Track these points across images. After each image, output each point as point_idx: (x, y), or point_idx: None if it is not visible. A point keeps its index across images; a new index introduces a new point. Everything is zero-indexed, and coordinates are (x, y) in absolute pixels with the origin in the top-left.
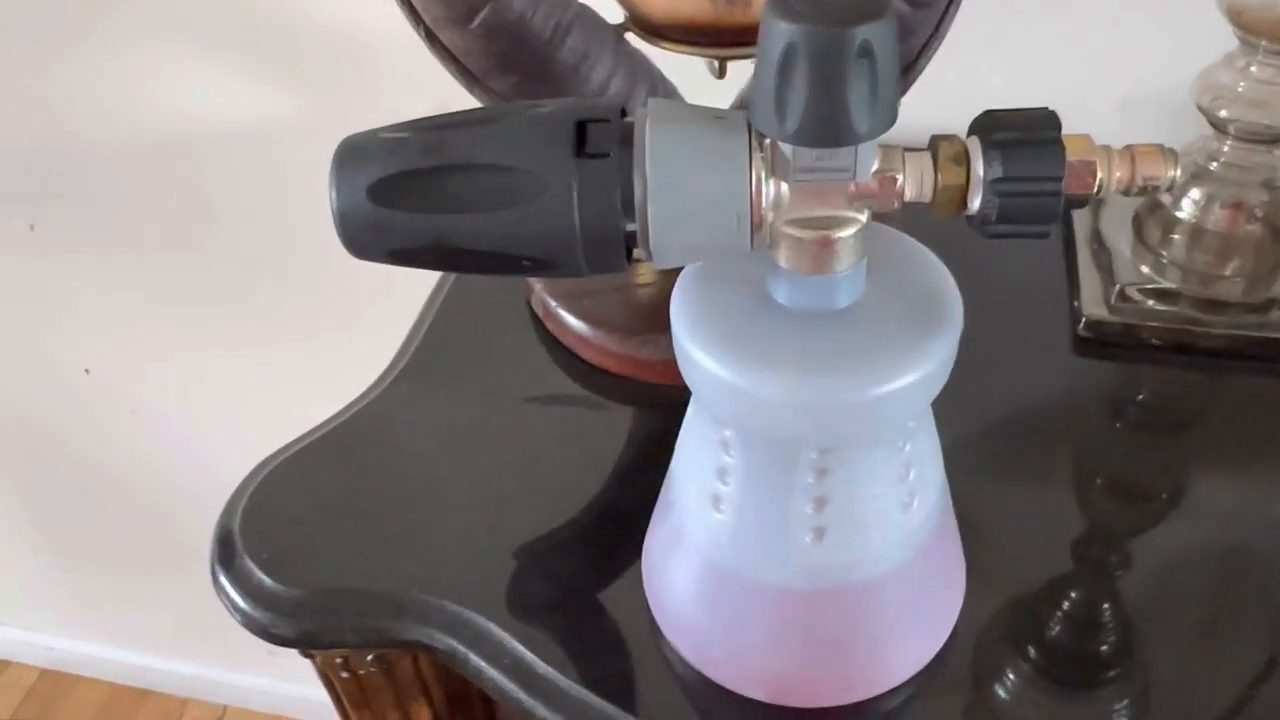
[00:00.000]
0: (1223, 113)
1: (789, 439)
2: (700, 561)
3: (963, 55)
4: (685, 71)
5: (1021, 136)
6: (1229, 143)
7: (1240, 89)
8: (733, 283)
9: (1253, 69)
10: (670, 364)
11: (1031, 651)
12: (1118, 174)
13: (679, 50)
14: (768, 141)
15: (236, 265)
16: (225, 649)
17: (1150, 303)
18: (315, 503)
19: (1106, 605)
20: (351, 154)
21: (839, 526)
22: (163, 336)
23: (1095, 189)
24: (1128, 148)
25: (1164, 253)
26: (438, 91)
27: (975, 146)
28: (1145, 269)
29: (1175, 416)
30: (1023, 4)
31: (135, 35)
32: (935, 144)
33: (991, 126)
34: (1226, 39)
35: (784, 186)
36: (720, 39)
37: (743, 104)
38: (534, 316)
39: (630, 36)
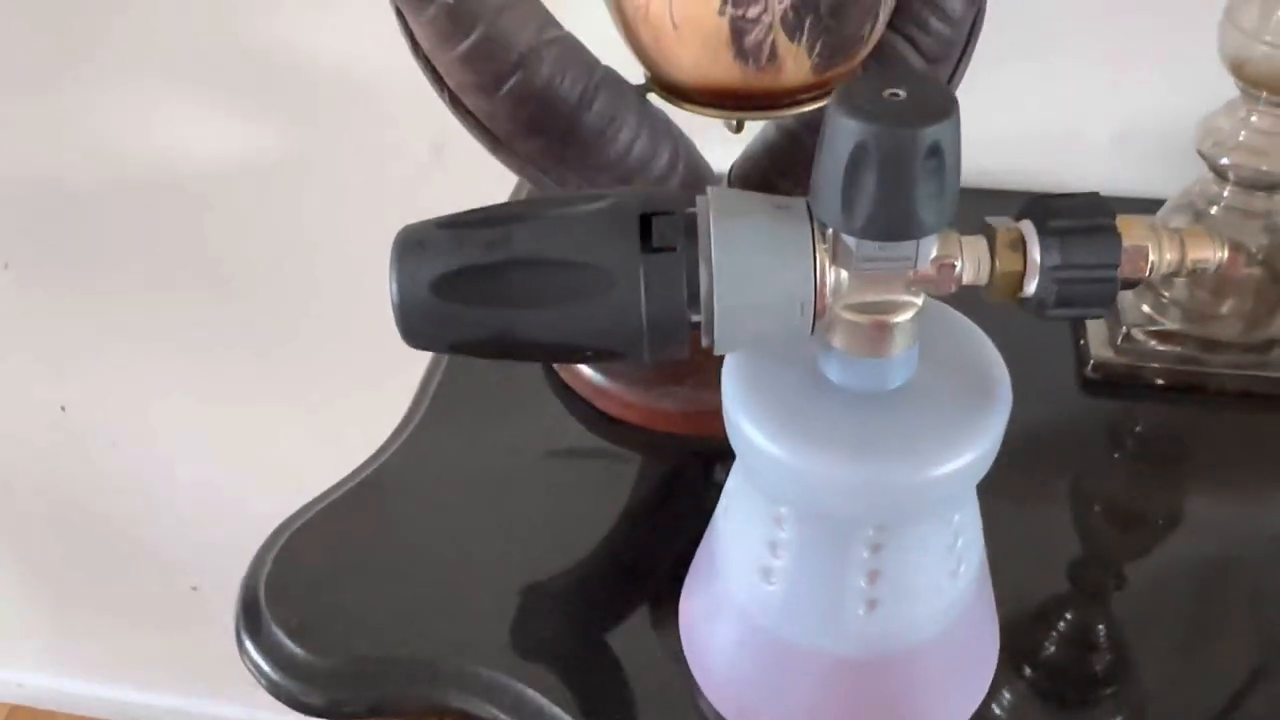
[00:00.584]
0: (1224, 160)
1: (847, 517)
2: (748, 628)
3: (960, 92)
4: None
5: (1078, 224)
6: (1229, 188)
7: (1241, 137)
8: (784, 361)
9: (1254, 118)
10: (688, 414)
11: (1041, 671)
12: (1168, 256)
13: (702, 113)
14: (830, 231)
15: (223, 305)
16: (203, 680)
17: (1153, 343)
18: (342, 564)
19: (1107, 626)
20: (412, 247)
21: (891, 598)
22: (141, 375)
23: (1148, 272)
24: (1176, 231)
25: (1165, 293)
26: (432, 130)
27: (1030, 232)
28: (1146, 308)
29: (1176, 454)
30: (1018, 40)
31: (119, 71)
32: (990, 230)
33: (1046, 213)
34: (1222, 77)
35: (844, 274)
36: (746, 103)
37: (751, 155)
38: (546, 366)
39: (652, 97)
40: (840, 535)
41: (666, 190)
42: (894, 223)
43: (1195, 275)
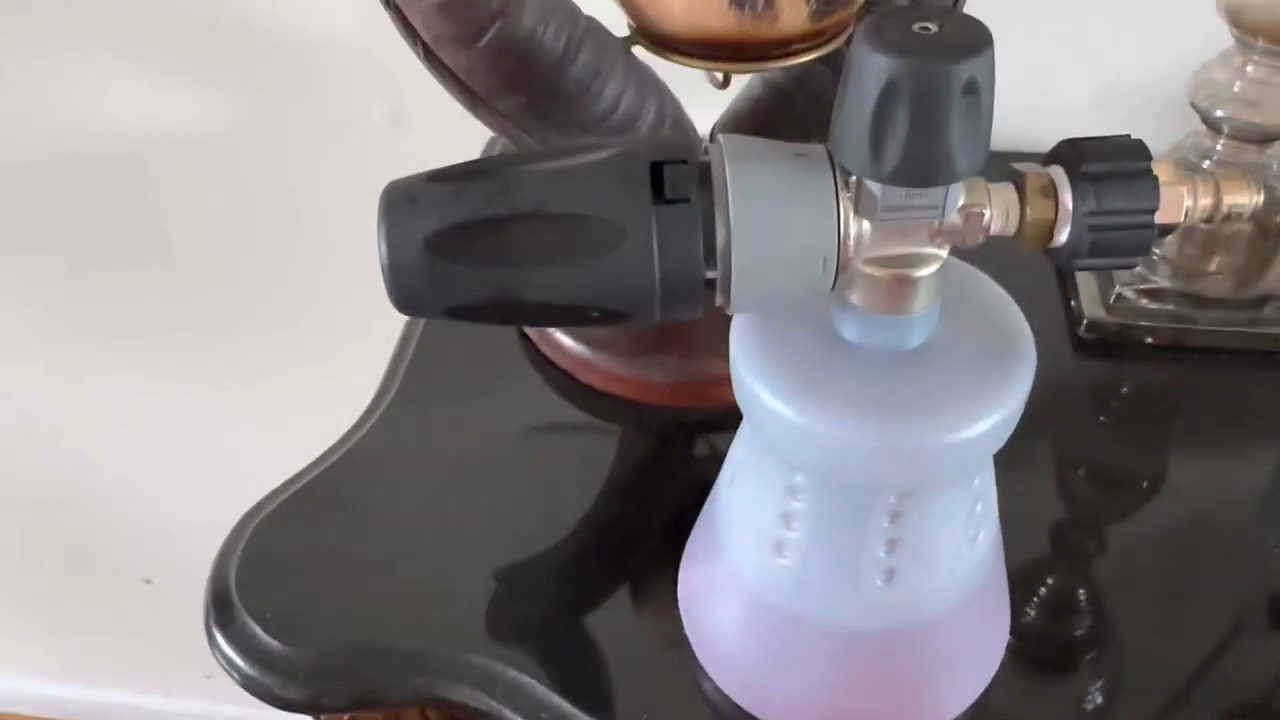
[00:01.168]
0: (1218, 112)
1: (868, 484)
2: (757, 605)
3: None
4: (682, 81)
5: (1113, 168)
6: (1222, 141)
7: (1236, 88)
8: (796, 320)
9: (1249, 68)
10: (677, 385)
11: (1033, 634)
12: (1204, 202)
13: (690, 64)
14: (853, 179)
15: (176, 285)
16: (157, 676)
17: (1144, 301)
18: (318, 552)
19: (1101, 586)
20: (403, 202)
21: (909, 567)
22: (88, 360)
23: (1183, 217)
24: (1211, 174)
25: (1156, 250)
26: (389, 96)
27: (1062, 177)
28: (1138, 266)
29: (1163, 411)
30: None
31: (57, 36)
32: (1019, 176)
33: (1078, 157)
34: (1207, 30)
35: (866, 224)
36: (738, 54)
37: (736, 114)
38: (523, 338)
39: (637, 50)
40: (860, 503)
41: (676, 137)
42: (926, 166)
43: (1229, 220)
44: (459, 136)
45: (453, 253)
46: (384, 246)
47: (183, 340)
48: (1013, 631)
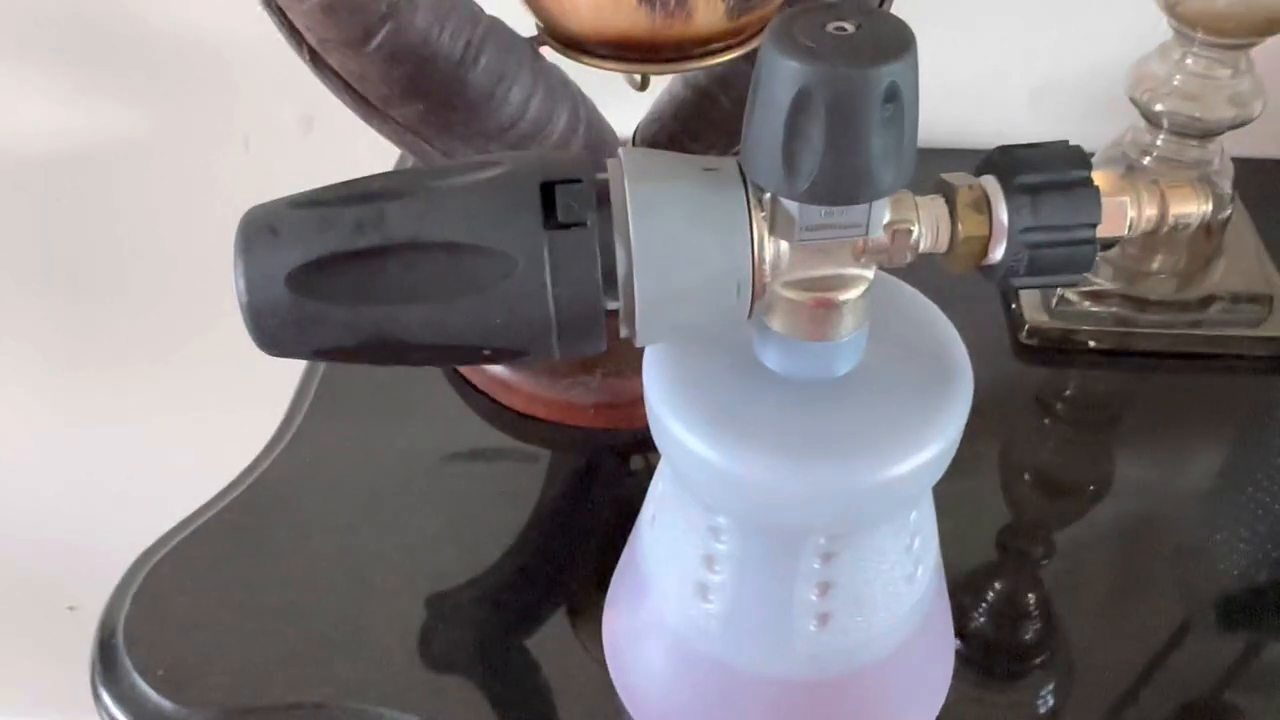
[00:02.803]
0: (1157, 106)
1: (796, 526)
2: (683, 653)
3: None
4: (600, 83)
5: (1051, 179)
6: (1162, 136)
7: (1175, 82)
8: (714, 349)
9: (1188, 61)
10: (601, 406)
11: (977, 640)
12: (1148, 213)
13: (603, 66)
14: (767, 195)
15: (77, 305)
16: (81, 704)
17: (1086, 304)
18: (216, 600)
19: (1043, 591)
20: (262, 233)
21: (844, 610)
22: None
23: (1127, 230)
24: (1155, 183)
25: None
26: (300, 100)
27: (996, 190)
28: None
29: (1108, 416)
30: None
31: None
32: (950, 188)
33: (1012, 167)
34: (1146, 23)
35: (784, 245)
36: (653, 54)
37: (659, 118)
38: None
39: (545, 51)
40: (788, 546)
41: (569, 154)
42: (845, 183)
43: (1175, 231)
44: (374, 143)
45: (320, 290)
46: (241, 284)
47: (89, 360)
48: (960, 637)
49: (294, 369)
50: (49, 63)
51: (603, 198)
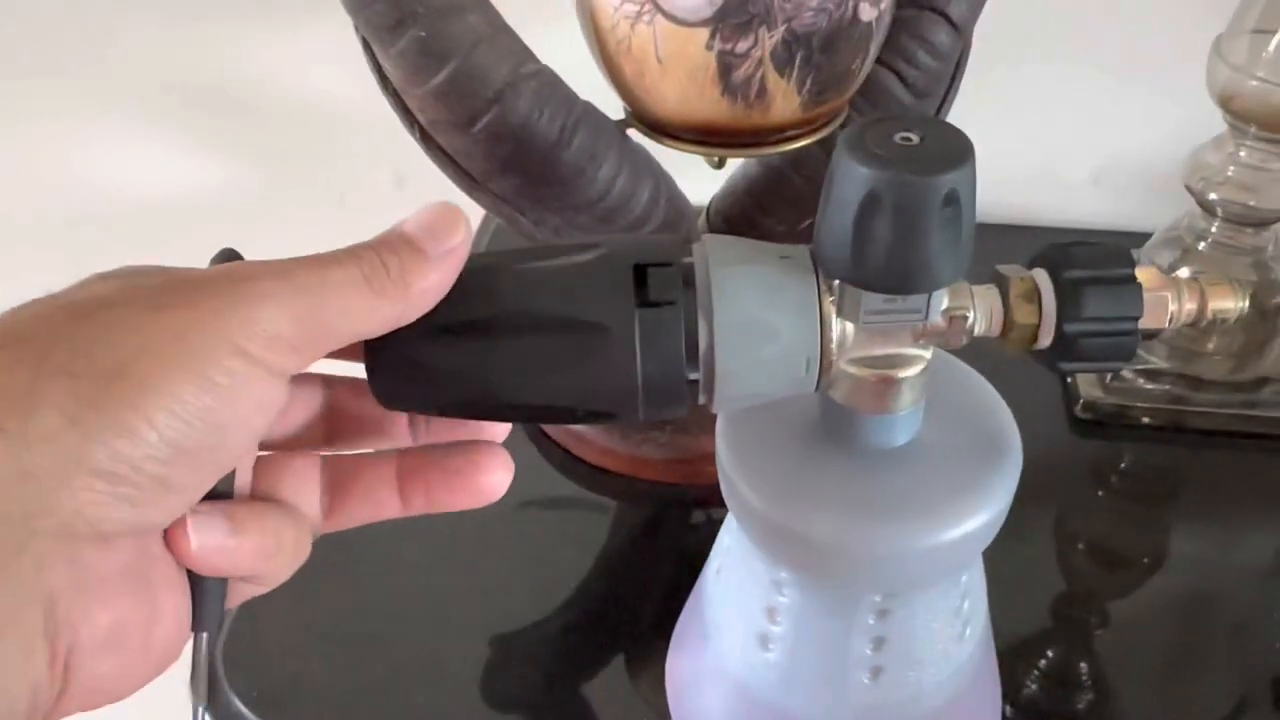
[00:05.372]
0: (1211, 195)
1: (854, 583)
2: (743, 698)
3: None
4: (678, 162)
5: (1097, 274)
6: (1217, 223)
7: (1230, 172)
8: (783, 417)
9: (1242, 153)
10: (670, 461)
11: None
12: (1188, 307)
13: (685, 149)
14: (836, 282)
15: None
16: None
17: (1141, 382)
18: (306, 629)
19: (1096, 663)
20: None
21: (896, 665)
22: None
23: (1168, 323)
24: (1195, 279)
25: None
26: (396, 161)
27: (1046, 282)
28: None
29: (1162, 491)
30: (995, 75)
31: (60, 104)
32: (1003, 280)
33: (1063, 262)
34: (1202, 112)
35: (850, 326)
36: (732, 139)
37: (732, 193)
38: None
39: (632, 133)
40: (845, 601)
41: (661, 239)
42: (907, 275)
43: (1214, 324)
44: (463, 201)
45: (435, 355)
46: (365, 350)
47: None
48: (1013, 707)
49: None
50: (172, 121)
51: (689, 278)
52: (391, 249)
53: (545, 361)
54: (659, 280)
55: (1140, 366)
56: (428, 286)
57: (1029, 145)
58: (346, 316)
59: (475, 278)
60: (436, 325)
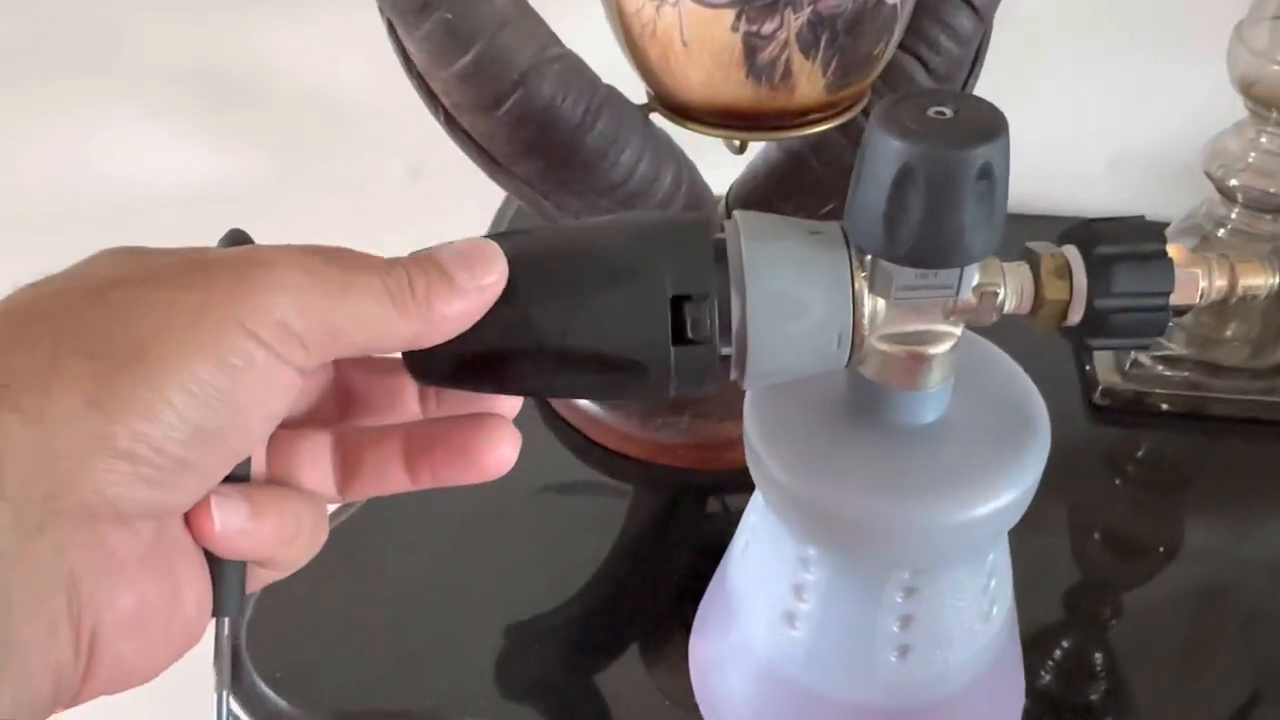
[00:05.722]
0: (1231, 181)
1: (881, 560)
2: (770, 677)
3: None
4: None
5: (1128, 250)
6: (1236, 210)
7: (1250, 159)
8: (811, 394)
9: (1263, 139)
10: (689, 446)
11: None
12: (1219, 283)
13: (708, 133)
14: (868, 258)
15: None
16: None
17: (1159, 368)
18: (327, 613)
19: (1112, 652)
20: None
21: (923, 643)
22: None
23: (1198, 299)
24: (1225, 256)
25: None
26: (411, 151)
27: (1076, 259)
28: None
29: (1179, 478)
30: (1011, 63)
31: (76, 93)
32: (1034, 256)
33: (1093, 238)
34: (1218, 100)
35: (881, 302)
36: (755, 123)
37: (752, 178)
38: (538, 399)
39: (654, 117)
40: (873, 578)
41: (695, 215)
42: (940, 249)
43: (1244, 301)
44: (479, 191)
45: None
46: (407, 368)
47: None
48: (1029, 695)
49: None
50: (186, 111)
51: (720, 254)
52: (422, 269)
53: (590, 325)
54: (695, 315)
55: (1158, 353)
56: (450, 314)
57: (1045, 133)
58: (360, 324)
59: (509, 310)
60: (476, 354)
